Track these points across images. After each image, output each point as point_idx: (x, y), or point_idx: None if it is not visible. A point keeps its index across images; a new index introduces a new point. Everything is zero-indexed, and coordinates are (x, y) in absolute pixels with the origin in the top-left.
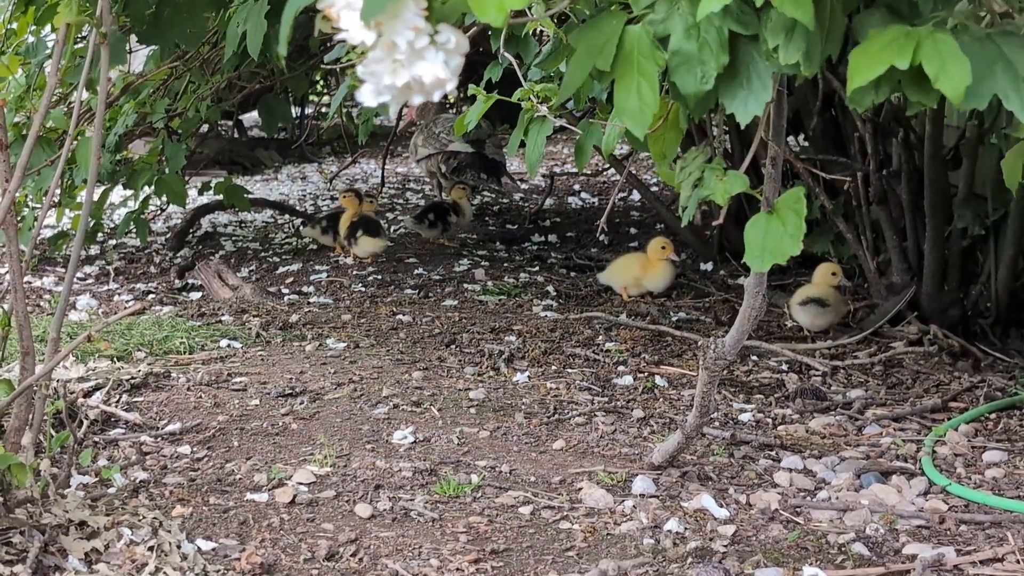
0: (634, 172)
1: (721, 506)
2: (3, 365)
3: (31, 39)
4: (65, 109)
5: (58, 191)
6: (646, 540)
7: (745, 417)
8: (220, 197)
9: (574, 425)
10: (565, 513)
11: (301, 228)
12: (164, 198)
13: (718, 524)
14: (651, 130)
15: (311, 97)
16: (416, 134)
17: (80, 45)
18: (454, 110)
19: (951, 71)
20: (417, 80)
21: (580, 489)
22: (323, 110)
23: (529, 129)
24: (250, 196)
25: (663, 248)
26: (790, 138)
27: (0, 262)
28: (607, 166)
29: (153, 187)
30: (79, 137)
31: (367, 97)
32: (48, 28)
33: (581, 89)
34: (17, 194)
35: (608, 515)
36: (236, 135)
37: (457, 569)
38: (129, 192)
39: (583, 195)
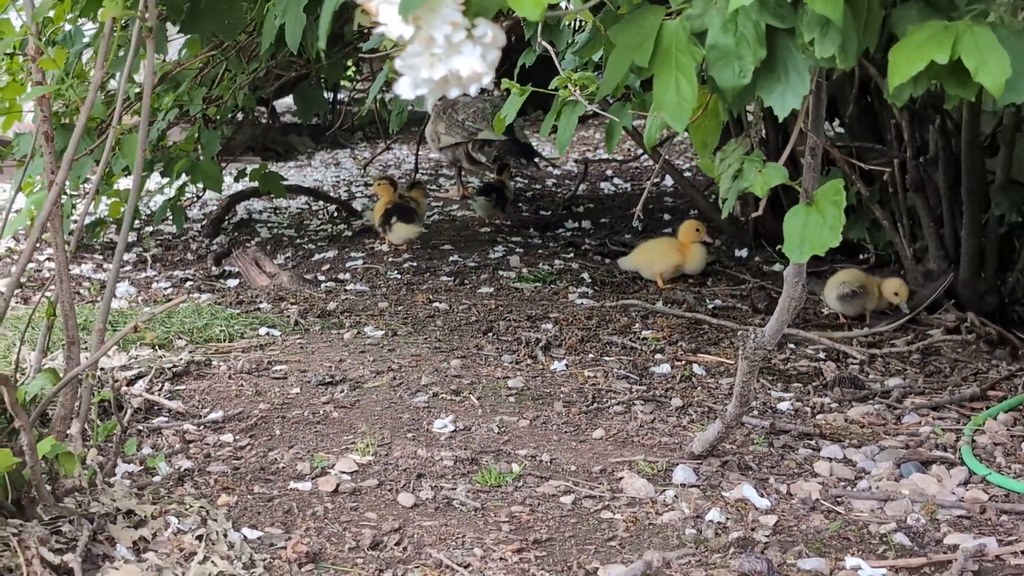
0: (667, 158)
1: (762, 496)
2: (47, 354)
3: (68, 27)
4: (103, 97)
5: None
6: (688, 530)
7: (784, 406)
8: (255, 184)
9: (613, 414)
10: (607, 503)
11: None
12: (200, 185)
13: (759, 514)
14: (691, 120)
15: (343, 83)
16: (434, 121)
17: (118, 34)
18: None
19: (990, 65)
20: (454, 74)
21: (621, 479)
22: (355, 96)
23: (562, 112)
24: (285, 183)
25: (697, 231)
26: (826, 125)
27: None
28: (640, 152)
29: (189, 174)
30: (121, 130)
31: (405, 90)
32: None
33: (620, 80)
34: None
35: (649, 505)
36: (269, 121)
37: (500, 558)
38: (165, 180)
39: (616, 181)
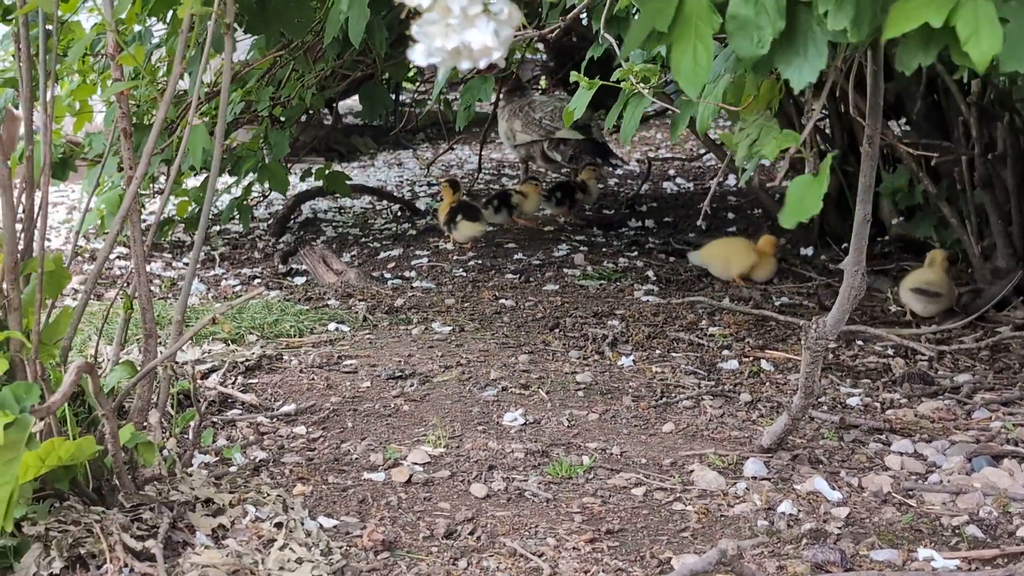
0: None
1: (833, 489)
2: (124, 348)
3: (138, 28)
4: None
5: (163, 178)
6: (760, 522)
7: (853, 401)
8: (320, 183)
9: (682, 408)
10: (678, 495)
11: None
12: (266, 185)
13: (831, 506)
14: (742, 107)
15: (405, 85)
16: (509, 119)
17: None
18: (541, 92)
19: (982, 36)
20: (466, 46)
21: (692, 471)
22: (417, 97)
23: (627, 105)
24: (349, 183)
25: (775, 246)
26: (892, 123)
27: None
28: (703, 151)
29: (256, 174)
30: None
31: (418, 57)
32: (154, 19)
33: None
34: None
35: (721, 497)
36: (332, 123)
37: (573, 548)
38: (231, 179)
39: (678, 180)
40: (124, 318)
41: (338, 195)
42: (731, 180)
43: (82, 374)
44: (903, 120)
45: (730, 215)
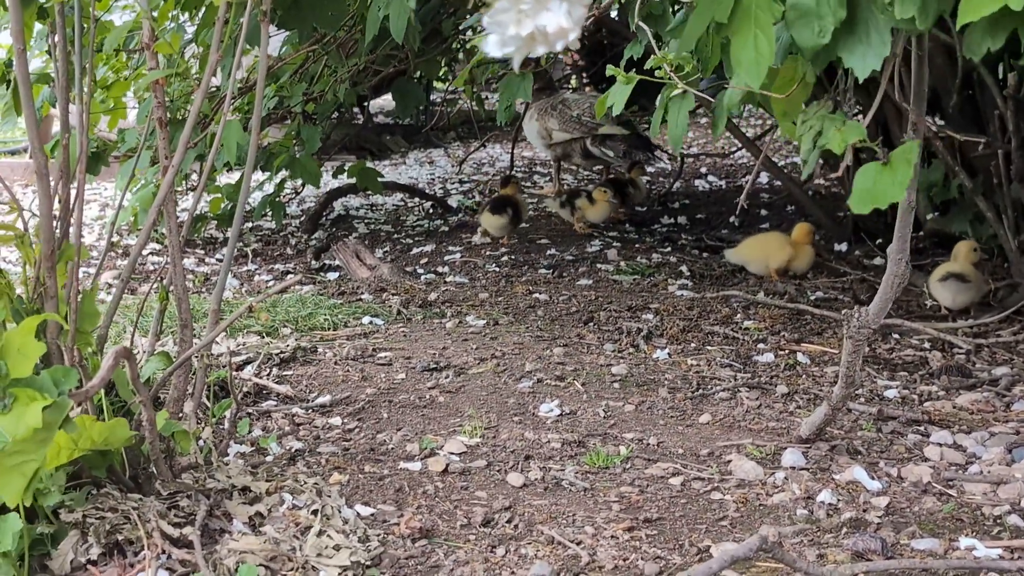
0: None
1: (873, 478)
2: (159, 339)
3: (171, 24)
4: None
5: (194, 176)
6: (799, 511)
7: (891, 393)
8: (352, 181)
9: (718, 400)
10: (716, 484)
11: (541, 200)
12: (298, 182)
13: (871, 496)
14: (786, 94)
15: (436, 84)
16: (540, 118)
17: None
18: (572, 91)
19: None
20: (541, 30)
21: (729, 461)
22: (448, 97)
23: (669, 106)
24: (381, 179)
25: (810, 233)
26: (927, 118)
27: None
28: (736, 148)
29: (288, 169)
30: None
31: (492, 48)
32: (186, 15)
33: (708, 55)
34: (159, 177)
35: (759, 487)
36: (363, 121)
37: (612, 536)
38: (263, 176)
39: (710, 178)
40: (159, 309)
41: (370, 192)
42: (763, 178)
43: (120, 359)
44: (938, 116)
45: (763, 212)
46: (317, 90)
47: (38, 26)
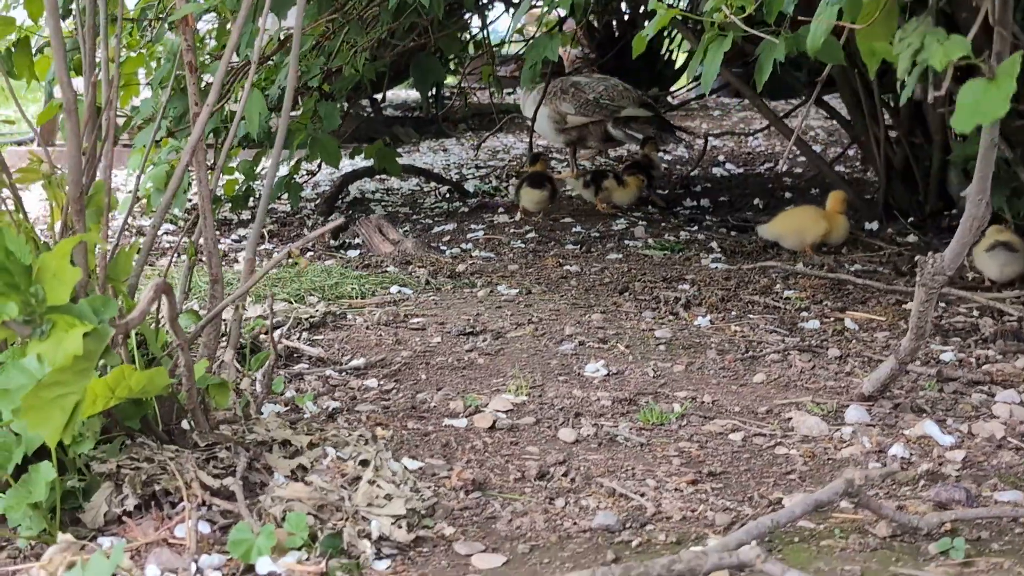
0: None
1: (944, 433)
2: (187, 298)
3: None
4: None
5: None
6: (871, 464)
7: (947, 357)
8: (368, 164)
9: (770, 362)
10: (778, 440)
11: (567, 181)
12: (314, 163)
13: (944, 450)
14: (865, 24)
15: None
16: (551, 102)
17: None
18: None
19: None
20: None
21: (790, 419)
22: (459, 91)
23: (708, 48)
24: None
25: (844, 200)
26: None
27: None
28: (753, 137)
29: (307, 149)
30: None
31: None
32: None
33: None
34: (172, 156)
35: (826, 441)
36: (372, 113)
37: (675, 489)
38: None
39: (728, 166)
40: (188, 264)
41: (385, 177)
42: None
43: (160, 293)
44: None
45: (787, 195)
46: (335, 65)
47: None
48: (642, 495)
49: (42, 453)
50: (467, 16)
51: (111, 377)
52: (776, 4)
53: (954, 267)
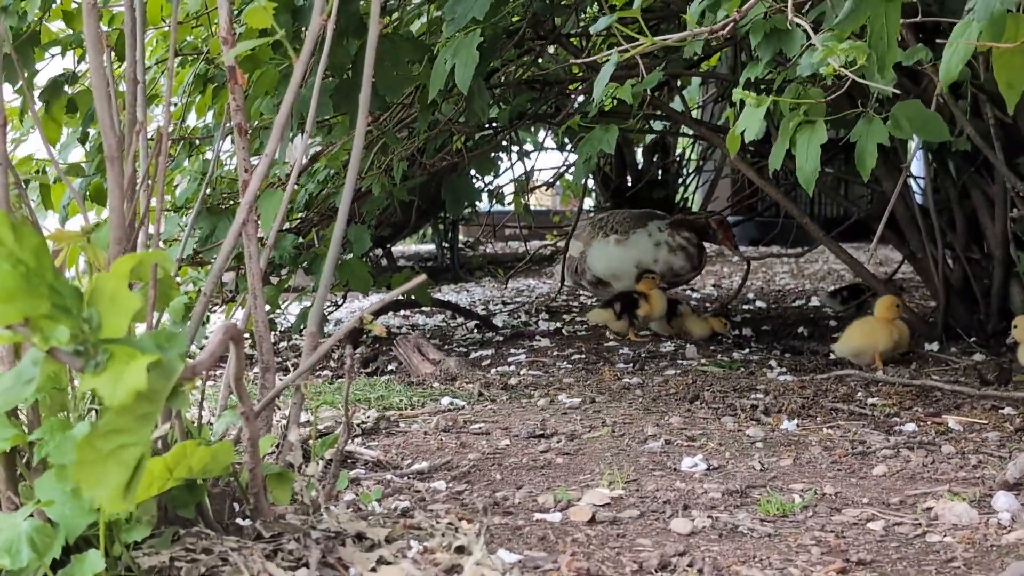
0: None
1: None
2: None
3: (204, 119)
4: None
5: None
6: None
7: None
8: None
9: (883, 456)
10: (925, 528)
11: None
12: (338, 295)
13: None
14: (1015, 44)
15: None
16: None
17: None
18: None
19: None
20: None
21: (930, 508)
22: (473, 242)
23: (797, 137)
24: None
25: (896, 306)
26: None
27: None
28: (780, 277)
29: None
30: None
31: None
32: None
33: (885, 45)
34: (190, 288)
35: (983, 528)
36: (387, 264)
37: None
38: (302, 285)
39: (758, 303)
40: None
41: (408, 313)
42: (815, 300)
43: (230, 336)
44: None
45: (831, 323)
46: (365, 185)
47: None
48: None
49: (84, 543)
50: (500, 134)
51: (171, 455)
52: (890, 55)
53: None
